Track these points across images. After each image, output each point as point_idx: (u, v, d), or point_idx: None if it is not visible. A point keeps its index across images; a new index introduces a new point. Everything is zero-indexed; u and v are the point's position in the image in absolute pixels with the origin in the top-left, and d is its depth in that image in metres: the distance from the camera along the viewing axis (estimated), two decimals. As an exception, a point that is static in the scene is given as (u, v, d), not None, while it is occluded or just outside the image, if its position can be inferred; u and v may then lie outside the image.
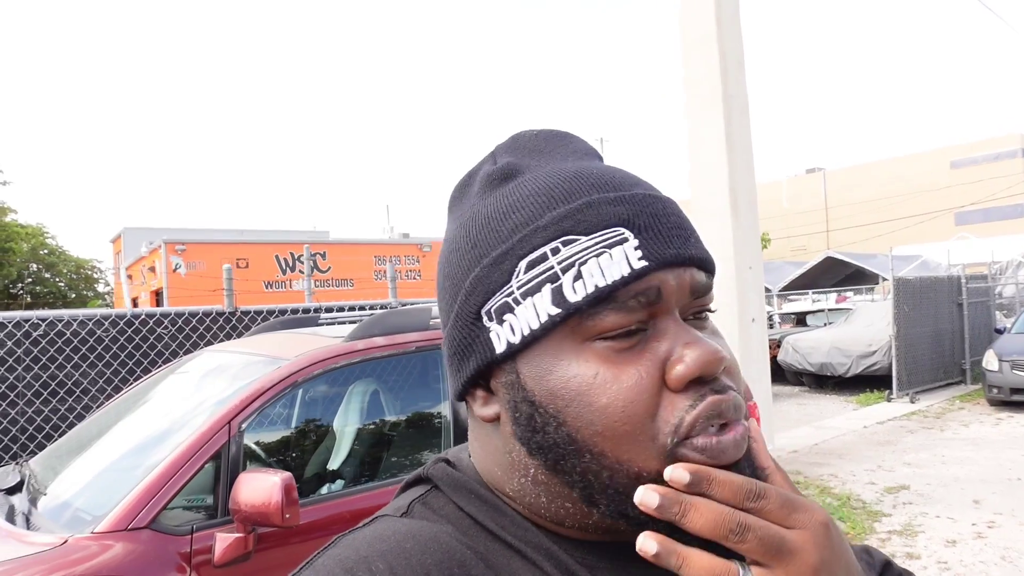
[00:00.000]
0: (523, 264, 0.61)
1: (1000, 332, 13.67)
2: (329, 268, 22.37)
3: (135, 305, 21.55)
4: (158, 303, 18.76)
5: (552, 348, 0.61)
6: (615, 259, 0.59)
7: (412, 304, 5.54)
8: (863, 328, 14.01)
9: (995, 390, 11.32)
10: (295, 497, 2.48)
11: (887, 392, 12.57)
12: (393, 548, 0.59)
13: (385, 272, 6.57)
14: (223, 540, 2.52)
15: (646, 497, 0.56)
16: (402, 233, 30.66)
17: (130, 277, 22.90)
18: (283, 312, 5.71)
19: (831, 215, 53.49)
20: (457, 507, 0.66)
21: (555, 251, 0.60)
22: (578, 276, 0.59)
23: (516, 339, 0.61)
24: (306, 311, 5.75)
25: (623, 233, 0.60)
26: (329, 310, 5.84)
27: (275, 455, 3.05)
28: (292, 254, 20.83)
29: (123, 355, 5.22)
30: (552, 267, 0.60)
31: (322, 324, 4.31)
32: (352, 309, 6.00)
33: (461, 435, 3.28)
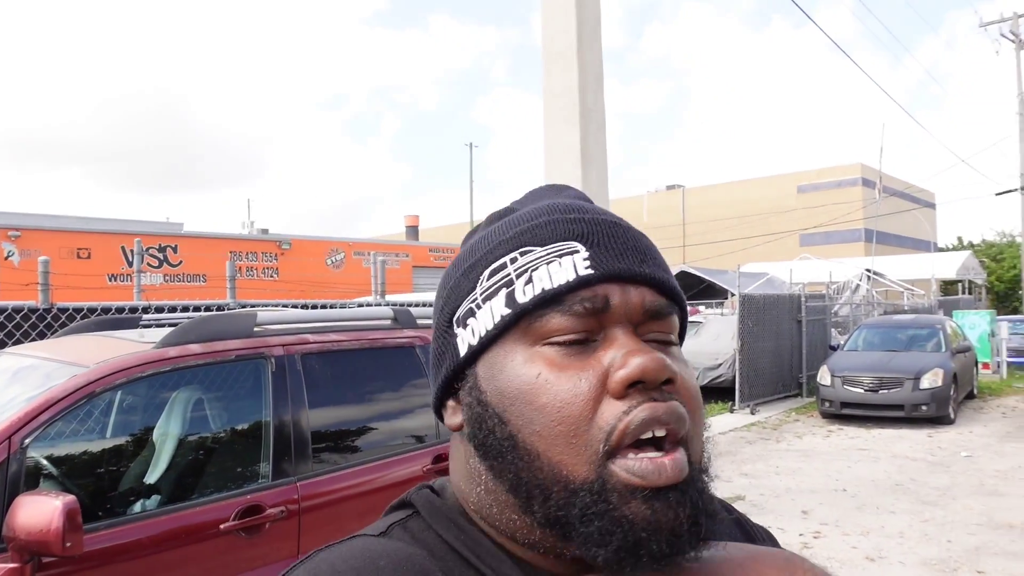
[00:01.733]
0: (486, 272, 0.67)
1: (834, 349, 14.55)
2: (180, 262, 21.35)
3: (-41, 295, 19.85)
4: (-14, 293, 17.37)
5: (505, 349, 0.65)
6: (563, 266, 0.64)
7: (244, 307, 5.23)
8: (710, 341, 14.56)
9: (827, 403, 12.01)
10: (79, 523, 2.24)
11: (730, 403, 13.10)
12: (366, 565, 0.60)
13: (241, 268, 6.22)
14: (-7, 571, 2.24)
15: None
16: (261, 229, 29.65)
17: (-46, 264, 21.06)
18: (106, 311, 5.25)
19: (688, 231, 55.60)
20: (436, 534, 0.67)
21: (513, 260, 0.66)
22: (529, 280, 0.64)
23: (475, 341, 0.66)
24: (132, 310, 5.33)
25: (575, 246, 0.66)
26: (159, 310, 5.44)
27: (69, 474, 2.75)
28: (141, 245, 19.75)
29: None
30: (509, 274, 0.66)
31: (147, 326, 3.99)
32: (185, 310, 5.63)
33: (282, 449, 3.08)
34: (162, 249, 21.08)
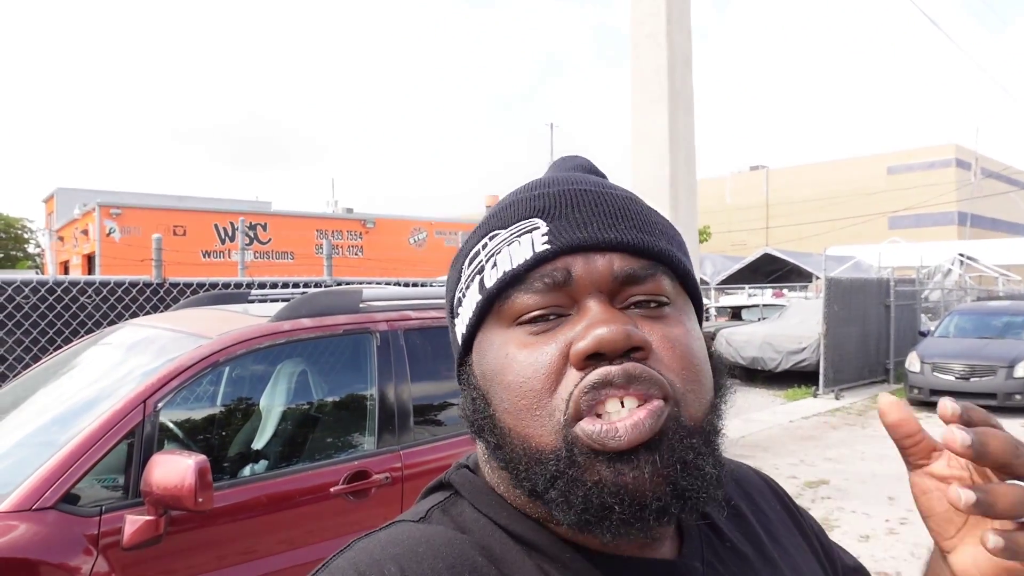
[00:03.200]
0: (466, 262, 0.69)
1: (924, 335, 14.14)
2: (269, 240, 21.98)
3: (66, 270, 20.89)
4: (90, 268, 18.23)
5: (488, 335, 0.67)
6: (523, 245, 0.64)
7: (346, 284, 5.45)
8: (795, 325, 14.31)
9: (916, 390, 11.70)
10: (209, 481, 2.43)
11: (814, 388, 12.89)
12: (406, 552, 0.60)
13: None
14: (132, 522, 2.45)
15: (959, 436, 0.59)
16: (346, 208, 30.27)
17: (61, 239, 22.17)
18: (213, 286, 5.56)
19: (771, 212, 54.46)
20: (476, 510, 0.67)
21: (484, 246, 0.68)
22: (494, 265, 0.65)
23: (464, 329, 0.69)
24: (238, 286, 5.61)
25: (536, 223, 0.66)
26: (262, 286, 5.71)
27: (194, 436, 2.97)
28: (232, 223, 20.42)
29: (43, 323, 5.03)
30: (481, 261, 0.67)
31: (252, 301, 4.22)
32: (286, 286, 5.89)
33: (387, 419, 3.25)
34: (252, 227, 21.74)
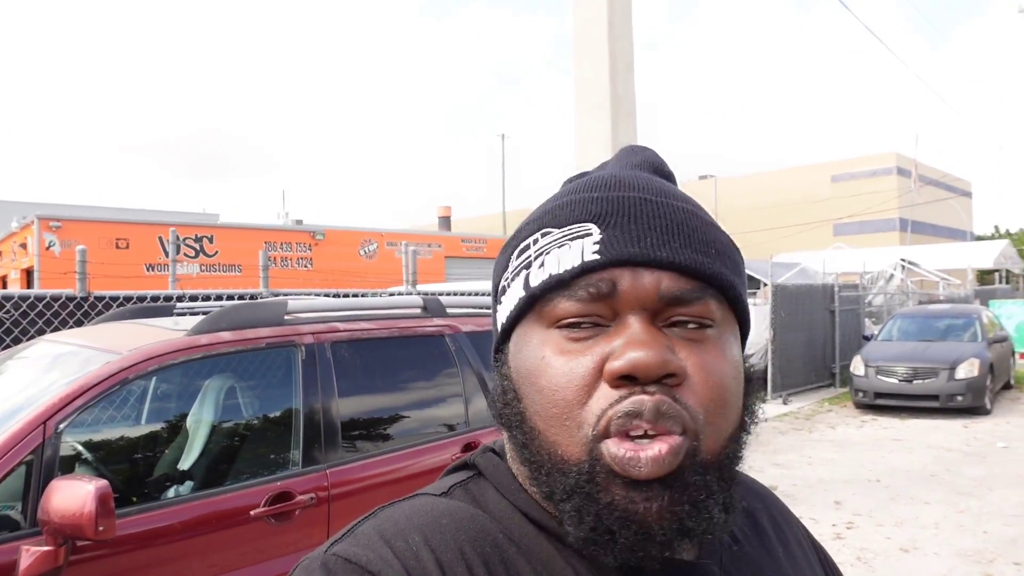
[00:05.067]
0: (515, 252, 0.69)
1: (868, 339, 14.34)
2: (216, 252, 21.56)
3: (4, 284, 20.25)
4: (29, 283, 17.69)
5: (526, 329, 0.67)
6: (572, 251, 0.64)
7: (276, 295, 5.28)
8: (743, 331, 14.40)
9: (861, 394, 11.85)
10: (111, 507, 2.27)
11: (762, 393, 12.95)
12: (430, 523, 0.62)
13: (276, 259, 6.27)
14: (30, 554, 2.28)
15: None
16: (296, 220, 29.86)
17: (-1, 253, 21.50)
18: (141, 300, 5.33)
19: (720, 220, 55.01)
20: (498, 492, 0.68)
21: (535, 241, 0.67)
22: (541, 264, 0.65)
23: (504, 318, 0.70)
24: (167, 299, 5.39)
25: (590, 228, 0.65)
26: (193, 299, 5.51)
27: (104, 459, 2.79)
28: (177, 236, 20.01)
29: (-42, 340, 4.78)
30: (530, 256, 0.67)
31: (177, 314, 4.04)
32: (219, 299, 5.68)
33: (312, 436, 3.10)
34: (198, 240, 21.30)
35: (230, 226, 22.97)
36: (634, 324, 0.62)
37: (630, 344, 0.60)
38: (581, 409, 0.60)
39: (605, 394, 0.60)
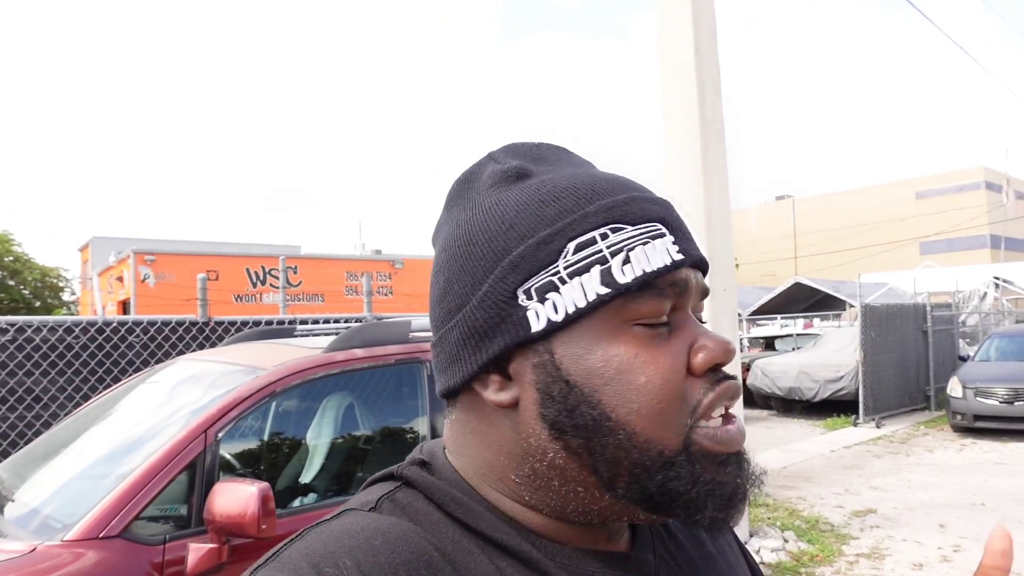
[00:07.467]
0: (572, 245, 0.64)
1: (964, 359, 13.89)
2: (300, 283, 22.19)
3: (124, 311, 21.18)
4: (125, 314, 18.47)
5: (592, 329, 0.63)
6: (658, 249, 0.64)
7: (388, 318, 5.51)
8: (831, 353, 14.15)
9: (959, 416, 11.48)
10: (272, 508, 2.45)
11: (853, 417, 12.70)
12: (361, 544, 0.59)
13: (357, 288, 6.53)
14: (196, 550, 2.48)
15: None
16: (374, 250, 30.56)
17: (94, 286, 22.54)
18: (257, 323, 5.64)
19: (799, 242, 54.12)
20: (429, 502, 0.66)
21: (604, 236, 0.64)
22: (627, 260, 0.63)
23: (558, 317, 0.63)
24: (280, 322, 5.70)
25: (661, 229, 0.66)
26: (304, 322, 5.79)
27: (250, 465, 3.01)
28: (263, 267, 20.66)
29: (92, 363, 5.12)
30: (601, 250, 0.63)
31: (298, 336, 4.27)
32: (328, 322, 5.95)
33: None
34: (284, 269, 21.96)
35: (312, 256, 23.62)
36: (694, 319, 0.67)
37: (707, 335, 0.66)
38: (682, 401, 0.63)
39: (696, 383, 0.64)
